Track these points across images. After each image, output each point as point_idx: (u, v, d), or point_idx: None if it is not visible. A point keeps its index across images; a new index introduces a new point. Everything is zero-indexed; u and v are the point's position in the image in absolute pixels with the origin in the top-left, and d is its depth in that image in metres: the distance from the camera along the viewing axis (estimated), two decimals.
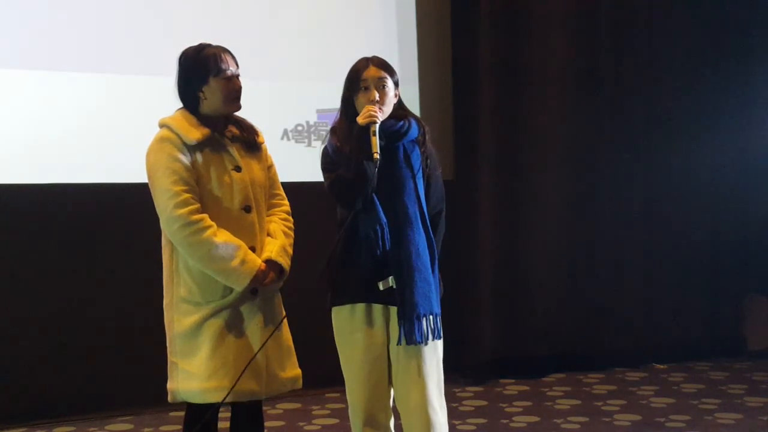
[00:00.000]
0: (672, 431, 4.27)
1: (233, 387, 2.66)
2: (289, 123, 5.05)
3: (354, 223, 2.68)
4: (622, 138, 5.80)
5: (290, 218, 2.93)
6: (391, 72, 2.78)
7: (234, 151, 2.79)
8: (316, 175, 4.61)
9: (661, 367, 5.70)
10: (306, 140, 5.09)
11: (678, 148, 5.87)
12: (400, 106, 2.83)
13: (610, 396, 4.98)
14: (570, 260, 5.65)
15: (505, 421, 4.45)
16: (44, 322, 4.49)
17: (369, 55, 2.82)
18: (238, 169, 2.77)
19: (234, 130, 2.83)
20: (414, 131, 2.79)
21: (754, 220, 6.08)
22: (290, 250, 2.84)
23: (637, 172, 5.84)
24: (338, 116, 2.83)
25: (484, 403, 4.82)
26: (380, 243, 2.66)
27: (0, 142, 4.41)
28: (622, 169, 5.78)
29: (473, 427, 4.32)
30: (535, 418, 4.50)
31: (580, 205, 5.66)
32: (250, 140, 2.85)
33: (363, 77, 2.74)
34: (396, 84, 2.79)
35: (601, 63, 5.76)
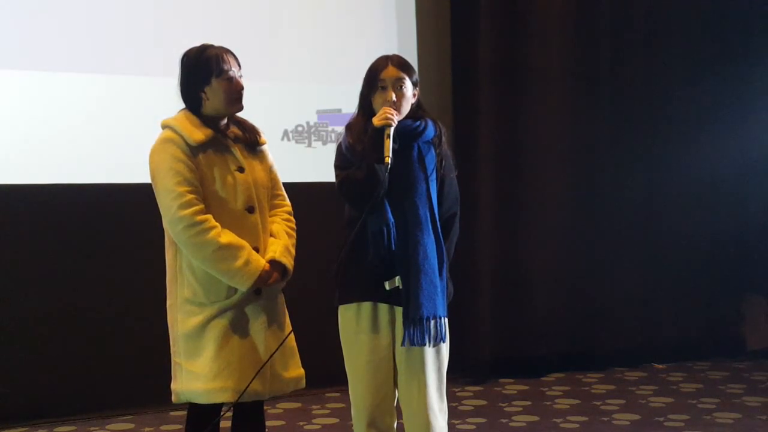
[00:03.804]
0: (671, 431, 4.27)
1: (243, 392, 2.66)
2: (290, 123, 5.05)
3: (364, 223, 2.66)
4: (621, 138, 5.81)
5: (292, 219, 2.93)
6: (410, 72, 2.75)
7: (237, 151, 2.80)
8: (316, 175, 4.68)
9: (660, 366, 5.71)
10: (306, 141, 5.10)
11: (678, 148, 5.88)
12: (418, 106, 2.80)
13: (609, 395, 4.98)
14: (570, 260, 5.66)
15: (504, 421, 4.45)
16: (44, 322, 4.48)
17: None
18: (241, 169, 2.78)
19: (236, 130, 2.83)
20: (430, 132, 2.76)
21: (754, 220, 6.09)
22: (293, 251, 2.84)
23: (637, 172, 5.85)
24: (355, 113, 2.81)
25: (483, 402, 4.83)
26: (386, 243, 2.65)
27: (0, 142, 4.41)
28: (622, 169, 5.79)
29: (473, 427, 4.33)
30: (534, 418, 4.51)
31: (580, 205, 5.67)
32: (252, 141, 2.85)
33: (381, 77, 2.71)
34: (415, 84, 2.76)
35: (601, 63, 5.77)
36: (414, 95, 2.77)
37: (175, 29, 4.63)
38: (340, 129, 5.00)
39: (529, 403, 4.81)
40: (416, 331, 2.66)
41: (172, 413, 4.45)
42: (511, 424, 4.40)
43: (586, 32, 5.73)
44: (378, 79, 2.72)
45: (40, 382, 4.44)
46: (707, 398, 4.89)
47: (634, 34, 5.87)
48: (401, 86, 2.72)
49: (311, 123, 5.11)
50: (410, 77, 2.75)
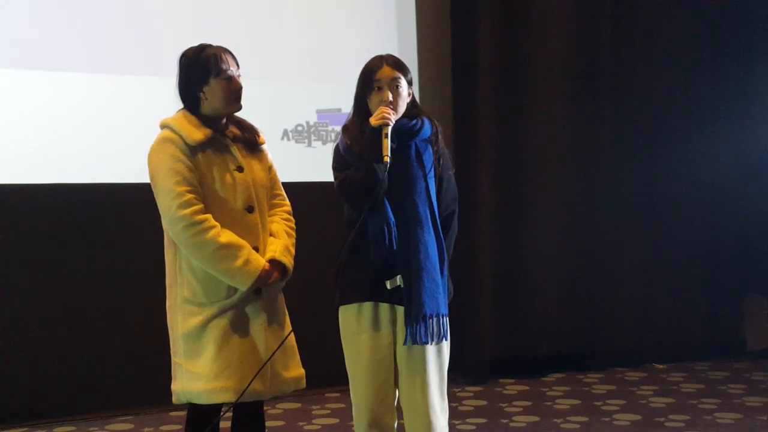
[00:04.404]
0: (671, 431, 4.27)
1: (244, 391, 2.66)
2: (289, 123, 5.05)
3: (364, 223, 2.66)
4: (622, 138, 5.81)
5: (292, 218, 2.93)
6: (404, 71, 2.76)
7: (236, 151, 2.80)
8: (316, 175, 4.68)
9: (661, 366, 5.70)
10: (306, 140, 5.10)
11: (678, 149, 5.88)
12: (413, 104, 2.80)
13: (609, 396, 4.98)
14: (570, 260, 5.65)
15: (504, 421, 4.45)
16: (44, 322, 4.48)
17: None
18: (240, 169, 2.78)
19: (235, 130, 2.83)
20: (427, 130, 2.76)
21: (754, 220, 6.08)
22: (293, 250, 2.84)
23: (637, 172, 5.84)
24: (351, 115, 2.81)
25: (483, 402, 4.82)
26: (387, 242, 2.64)
27: (0, 142, 4.41)
28: (622, 169, 5.78)
29: (473, 427, 4.33)
30: (534, 418, 4.50)
31: (580, 206, 5.67)
32: (251, 141, 2.85)
33: (377, 77, 2.72)
34: (410, 83, 2.77)
35: (601, 63, 5.77)
36: (409, 94, 2.78)
37: (174, 29, 4.63)
38: (340, 128, 5.01)
39: (529, 403, 4.81)
40: (418, 329, 2.66)
41: (171, 413, 4.45)
42: (511, 424, 4.40)
43: (586, 32, 5.73)
44: (373, 79, 2.72)
45: (40, 382, 4.44)
46: (708, 398, 4.89)
47: (634, 34, 5.87)
48: (397, 86, 2.72)
49: (311, 122, 5.11)
50: (405, 76, 2.75)
